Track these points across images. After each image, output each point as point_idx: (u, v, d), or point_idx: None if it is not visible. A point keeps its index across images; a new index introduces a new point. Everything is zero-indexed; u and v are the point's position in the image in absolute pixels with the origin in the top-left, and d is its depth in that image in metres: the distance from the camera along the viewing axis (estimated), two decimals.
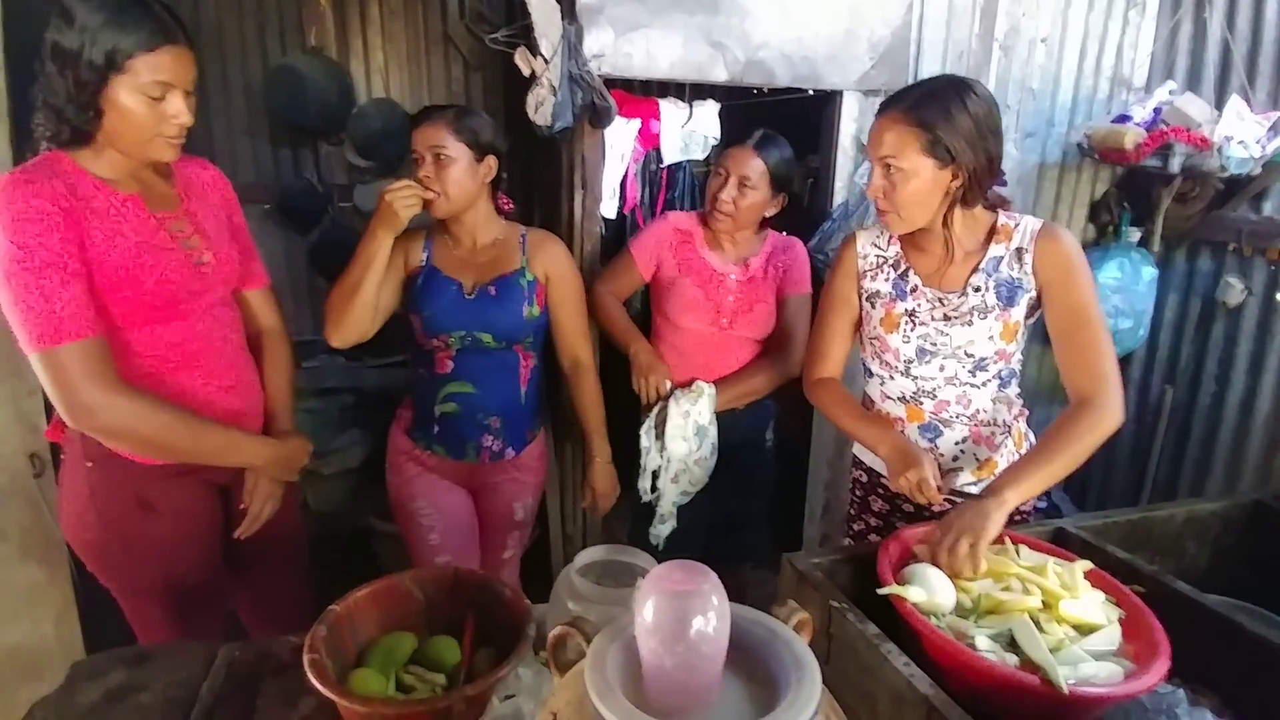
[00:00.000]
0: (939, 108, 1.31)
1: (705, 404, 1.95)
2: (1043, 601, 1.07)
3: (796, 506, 2.79)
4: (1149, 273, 2.74)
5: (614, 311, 2.04)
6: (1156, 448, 2.91)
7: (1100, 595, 1.09)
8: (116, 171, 1.28)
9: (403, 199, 1.59)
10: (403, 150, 2.60)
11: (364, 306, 1.66)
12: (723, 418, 2.00)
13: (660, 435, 1.95)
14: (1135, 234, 2.80)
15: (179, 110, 1.25)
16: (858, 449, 1.71)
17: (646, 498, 2.02)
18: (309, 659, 0.91)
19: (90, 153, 1.26)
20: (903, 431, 1.54)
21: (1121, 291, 2.72)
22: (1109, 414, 1.29)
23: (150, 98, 1.20)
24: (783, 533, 2.78)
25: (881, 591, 1.05)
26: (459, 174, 1.67)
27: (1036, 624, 1.01)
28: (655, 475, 2.00)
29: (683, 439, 1.94)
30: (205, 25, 2.97)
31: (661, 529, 2.05)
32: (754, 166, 1.88)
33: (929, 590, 1.06)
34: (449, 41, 3.18)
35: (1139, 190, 2.80)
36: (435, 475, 1.85)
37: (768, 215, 1.99)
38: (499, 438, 1.83)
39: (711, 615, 0.64)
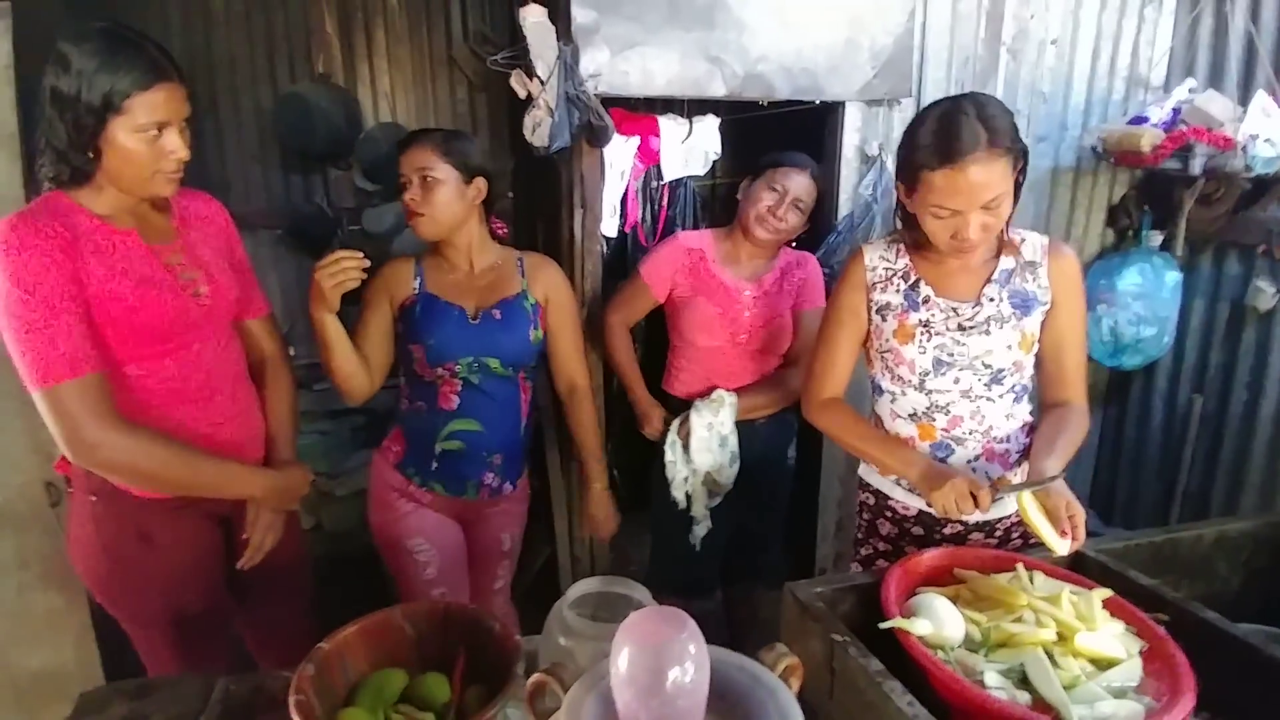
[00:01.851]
0: (1009, 122, 1.27)
1: (727, 414, 1.97)
2: (1058, 634, 1.02)
3: (810, 524, 2.74)
4: (1172, 278, 2.65)
5: (622, 354, 2.12)
6: (1185, 461, 2.82)
7: (1120, 626, 1.04)
8: (114, 208, 1.29)
9: (330, 275, 1.45)
10: None
11: (352, 377, 1.65)
12: (743, 431, 2.00)
13: (685, 448, 1.98)
14: (1157, 238, 2.71)
15: (176, 146, 1.26)
16: (864, 470, 1.66)
17: (681, 505, 2.05)
18: (295, 700, 0.89)
19: (90, 191, 1.27)
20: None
21: (1143, 298, 2.65)
22: (1087, 422, 1.43)
23: (148, 135, 1.22)
24: (796, 551, 2.73)
25: (885, 625, 1.00)
26: (446, 196, 1.64)
27: (1051, 658, 0.97)
28: (685, 483, 2.03)
29: (708, 450, 1.96)
30: (217, 55, 3.02)
31: (698, 530, 2.09)
32: (810, 191, 1.96)
33: (936, 622, 1.02)
34: (453, 64, 3.20)
35: (1159, 193, 2.72)
36: (429, 510, 1.80)
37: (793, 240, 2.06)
38: (499, 474, 1.80)
39: (689, 666, 0.61)
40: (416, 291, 1.72)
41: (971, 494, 1.27)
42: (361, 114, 3.17)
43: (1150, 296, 2.64)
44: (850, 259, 1.54)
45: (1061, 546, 1.20)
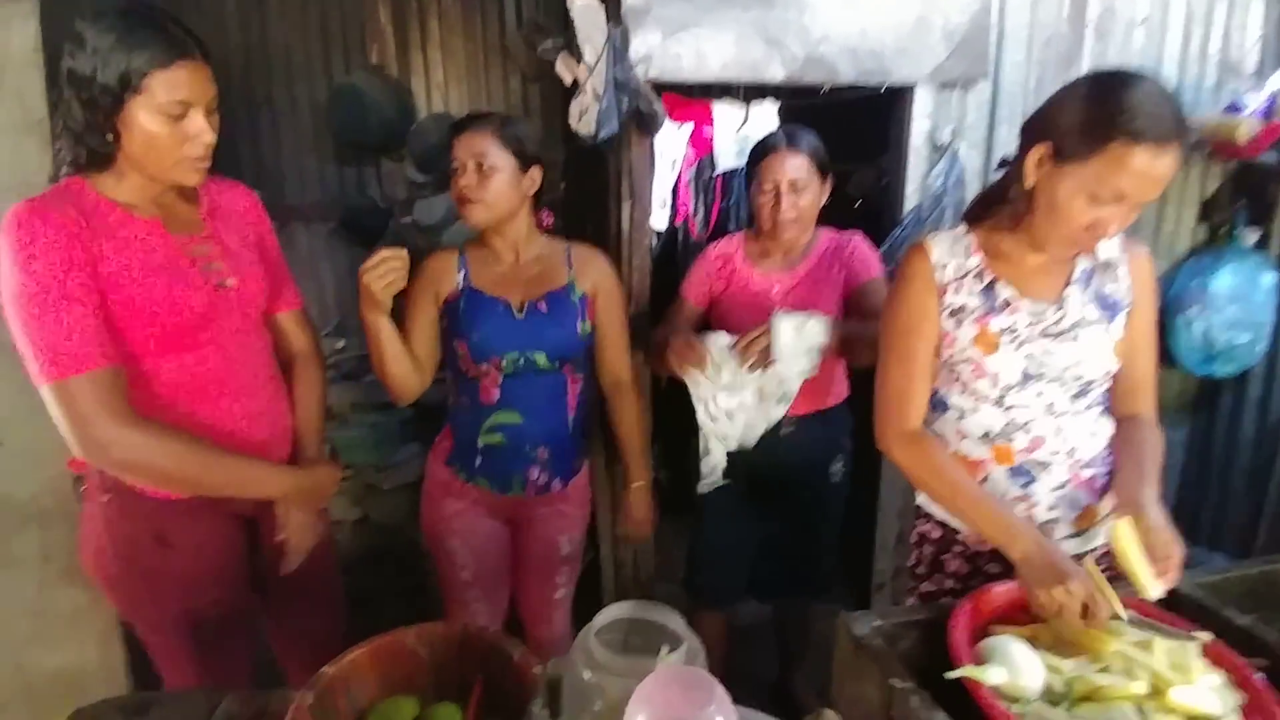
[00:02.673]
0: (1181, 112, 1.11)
1: (816, 326, 1.74)
2: (1150, 686, 0.89)
3: (867, 533, 2.60)
4: (1269, 279, 2.47)
5: (665, 332, 1.97)
6: (1277, 477, 2.60)
7: (1219, 677, 0.90)
8: (137, 196, 1.24)
9: (378, 277, 1.41)
10: None
11: (404, 377, 1.62)
12: (775, 440, 1.86)
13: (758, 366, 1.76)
14: (1252, 236, 2.53)
15: (201, 129, 1.20)
16: (923, 498, 1.45)
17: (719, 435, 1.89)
18: None
19: (111, 178, 1.23)
20: (986, 479, 1.32)
21: (1237, 301, 2.45)
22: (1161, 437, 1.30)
23: (170, 116, 1.17)
24: (850, 562, 2.59)
25: (953, 675, 0.88)
26: (502, 185, 1.59)
27: (1141, 714, 0.84)
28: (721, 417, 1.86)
29: (794, 357, 1.73)
30: (273, 47, 3.05)
31: (714, 466, 1.94)
32: (798, 165, 1.81)
33: (1012, 670, 0.90)
34: (506, 54, 3.15)
35: (1255, 187, 2.52)
36: (475, 512, 1.76)
37: (822, 204, 1.91)
38: (545, 470, 1.74)
39: None
40: (461, 286, 1.67)
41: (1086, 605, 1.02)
42: (414, 105, 3.16)
43: (1244, 299, 2.46)
44: (912, 255, 1.34)
45: (1155, 589, 1.05)
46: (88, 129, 1.16)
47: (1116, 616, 1.02)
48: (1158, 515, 1.10)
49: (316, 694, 0.88)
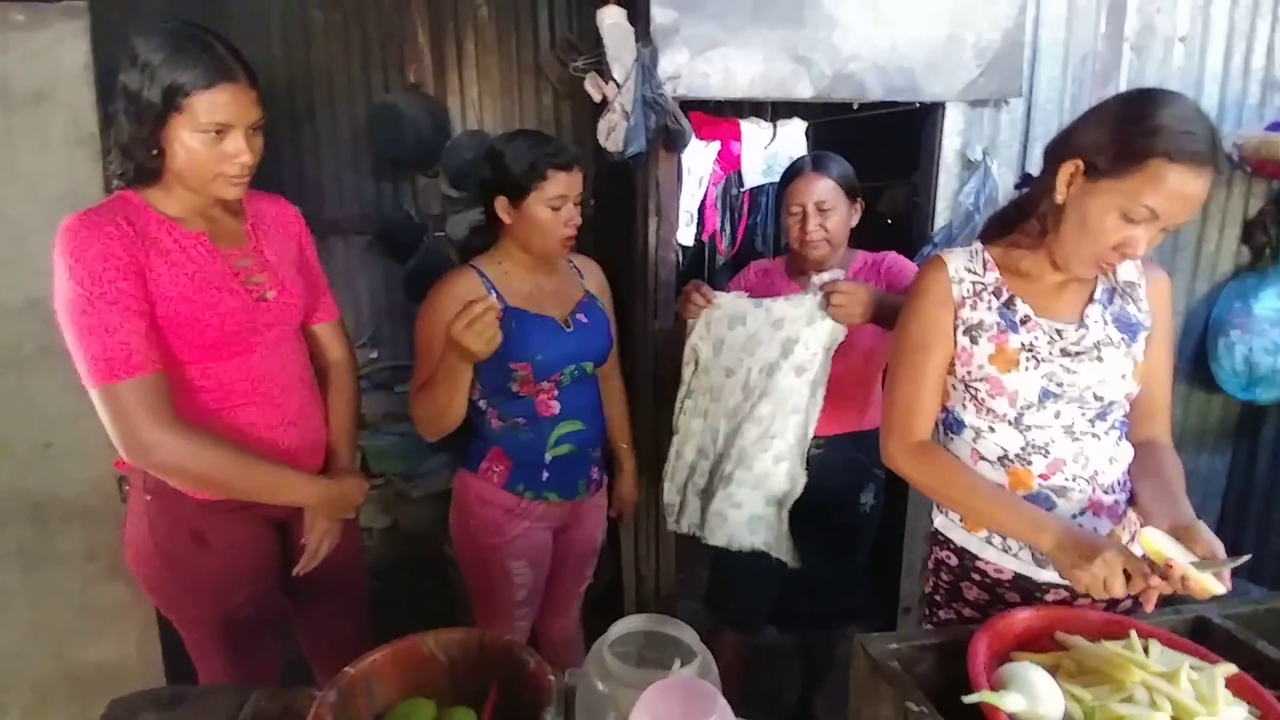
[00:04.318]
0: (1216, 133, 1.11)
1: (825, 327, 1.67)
2: (1173, 718, 0.86)
3: (894, 557, 2.55)
4: None
5: None
6: None
7: (1243, 710, 0.88)
8: (184, 209, 1.29)
9: (477, 334, 1.37)
10: None
11: (457, 413, 1.58)
12: (814, 459, 1.80)
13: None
14: None
15: (239, 149, 1.25)
16: (941, 523, 1.40)
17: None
18: None
19: (160, 191, 1.28)
20: None
21: None
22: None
23: (208, 137, 1.21)
24: (876, 585, 2.54)
25: (969, 700, 0.87)
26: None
27: None
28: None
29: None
30: (315, 66, 3.12)
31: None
32: (824, 188, 1.84)
33: (1031, 697, 0.88)
34: (539, 73, 3.20)
35: None
36: (538, 528, 1.77)
37: (853, 226, 1.93)
38: (599, 466, 1.86)
39: None
40: (500, 307, 1.54)
41: (1126, 572, 1.04)
42: (450, 122, 3.22)
43: None
44: (928, 268, 1.32)
45: (1215, 585, 1.03)
46: (134, 143, 1.21)
47: (1169, 565, 1.02)
48: (1202, 525, 1.08)
49: (338, 692, 0.90)
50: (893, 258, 1.95)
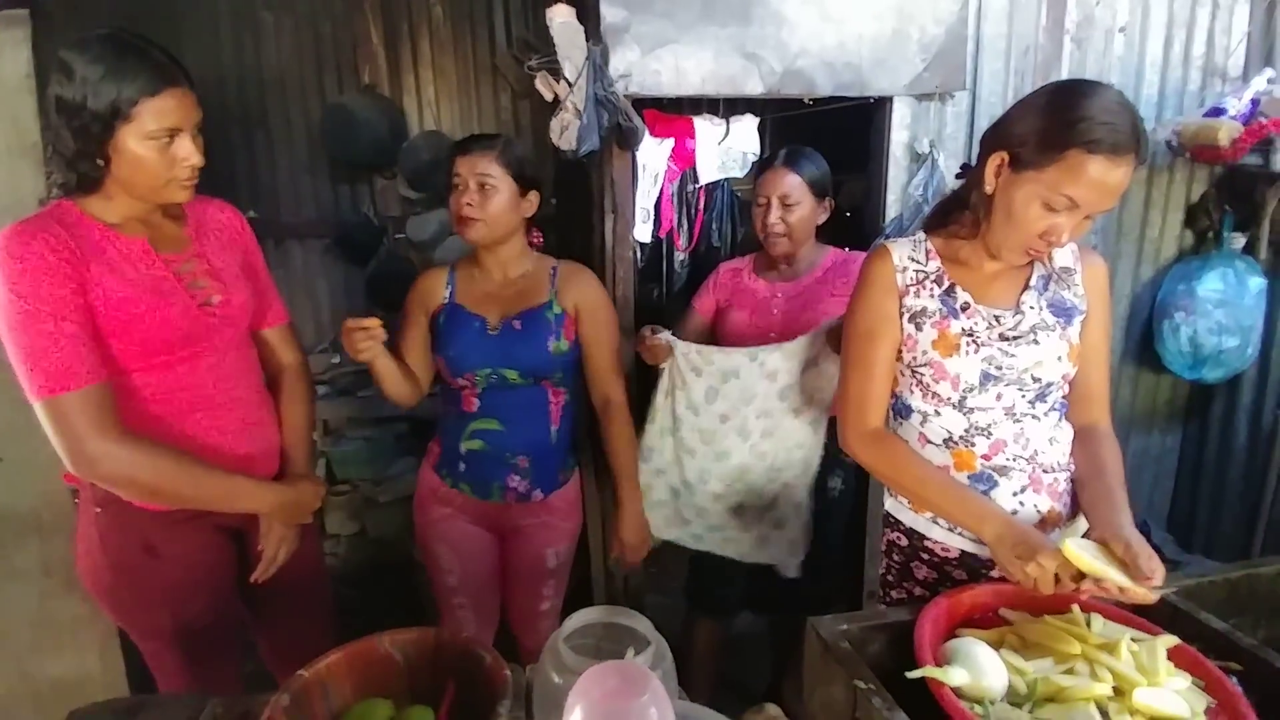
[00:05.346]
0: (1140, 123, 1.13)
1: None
2: (1114, 688, 0.90)
3: (858, 544, 2.59)
4: (1256, 283, 2.45)
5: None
6: (1271, 483, 2.58)
7: (1186, 680, 0.91)
8: (123, 216, 1.28)
9: (358, 351, 1.55)
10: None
11: (399, 396, 1.72)
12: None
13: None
14: (1239, 240, 2.52)
15: (189, 152, 1.25)
16: (891, 504, 1.45)
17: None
18: None
19: (99, 199, 1.26)
20: None
21: (1225, 305, 2.44)
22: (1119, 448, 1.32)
23: (159, 142, 1.21)
24: (840, 573, 2.58)
25: (913, 675, 0.90)
26: (502, 205, 1.66)
27: (1104, 716, 0.85)
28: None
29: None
30: (267, 68, 3.07)
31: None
32: (790, 183, 1.89)
33: (974, 671, 0.91)
34: (496, 72, 3.19)
35: (1241, 191, 2.52)
36: (461, 518, 1.81)
37: (820, 223, 1.98)
38: (526, 478, 1.76)
39: None
40: (445, 301, 1.76)
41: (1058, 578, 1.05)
42: (406, 123, 3.20)
43: (1232, 304, 2.45)
44: (874, 259, 1.35)
45: (1146, 595, 1.03)
46: (79, 155, 1.20)
47: (1083, 576, 1.03)
48: (1135, 535, 1.08)
49: (293, 695, 0.90)
50: (861, 259, 1.97)
